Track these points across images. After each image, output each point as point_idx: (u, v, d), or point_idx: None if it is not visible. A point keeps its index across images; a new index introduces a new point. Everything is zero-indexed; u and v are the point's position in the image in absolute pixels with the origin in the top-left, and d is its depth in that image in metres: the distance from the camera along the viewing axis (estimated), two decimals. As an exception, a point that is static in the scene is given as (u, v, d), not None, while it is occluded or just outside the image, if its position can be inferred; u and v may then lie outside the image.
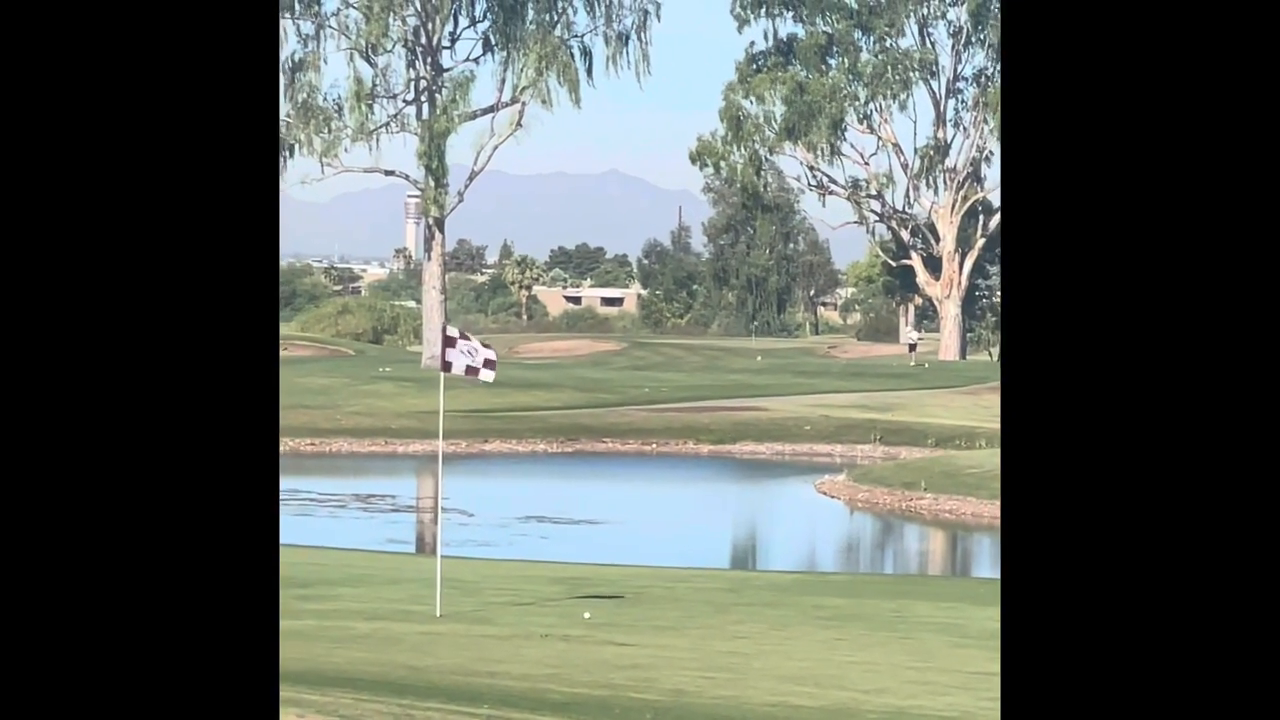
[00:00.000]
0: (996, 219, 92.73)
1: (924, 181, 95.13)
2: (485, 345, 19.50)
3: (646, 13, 77.85)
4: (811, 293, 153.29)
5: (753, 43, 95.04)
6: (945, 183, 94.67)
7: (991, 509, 38.03)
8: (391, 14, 74.53)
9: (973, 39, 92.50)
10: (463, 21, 77.41)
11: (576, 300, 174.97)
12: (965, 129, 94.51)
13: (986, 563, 35.57)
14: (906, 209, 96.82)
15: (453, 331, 19.39)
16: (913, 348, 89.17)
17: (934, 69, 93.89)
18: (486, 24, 77.01)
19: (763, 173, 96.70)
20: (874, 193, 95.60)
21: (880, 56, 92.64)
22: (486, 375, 19.27)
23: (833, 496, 44.68)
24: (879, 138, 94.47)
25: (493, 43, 76.59)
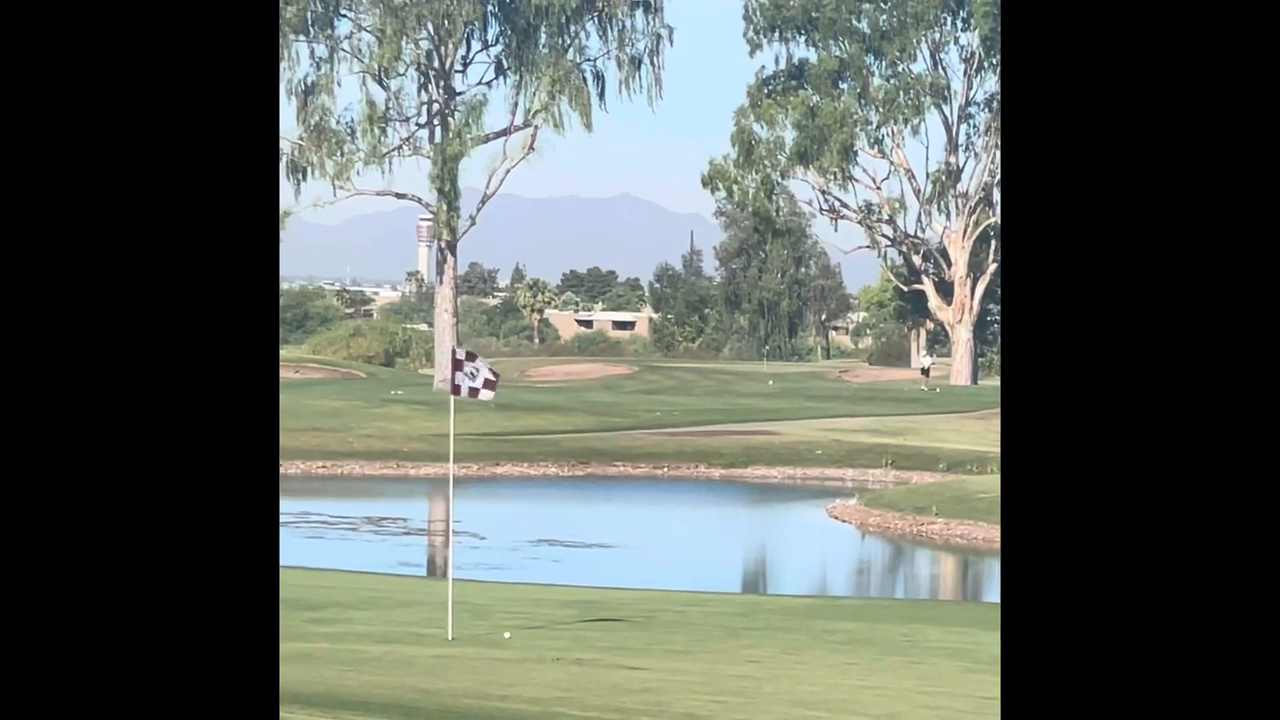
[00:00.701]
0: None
1: (936, 206, 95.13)
2: (492, 373, 19.64)
3: (659, 37, 78.04)
4: (823, 317, 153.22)
5: (764, 67, 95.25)
6: (957, 207, 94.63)
7: (1003, 534, 37.94)
8: (404, 37, 74.67)
9: (984, 64, 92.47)
10: (475, 45, 77.62)
11: (588, 324, 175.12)
12: (977, 154, 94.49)
13: (997, 588, 35.48)
14: (918, 233, 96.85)
15: (460, 354, 19.54)
16: (925, 372, 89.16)
17: (946, 94, 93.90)
18: (499, 48, 77.18)
19: (774, 197, 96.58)
20: (886, 217, 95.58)
21: (892, 81, 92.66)
22: (485, 395, 19.45)
23: (844, 521, 44.63)
24: (891, 162, 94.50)
25: (505, 66, 76.73)
